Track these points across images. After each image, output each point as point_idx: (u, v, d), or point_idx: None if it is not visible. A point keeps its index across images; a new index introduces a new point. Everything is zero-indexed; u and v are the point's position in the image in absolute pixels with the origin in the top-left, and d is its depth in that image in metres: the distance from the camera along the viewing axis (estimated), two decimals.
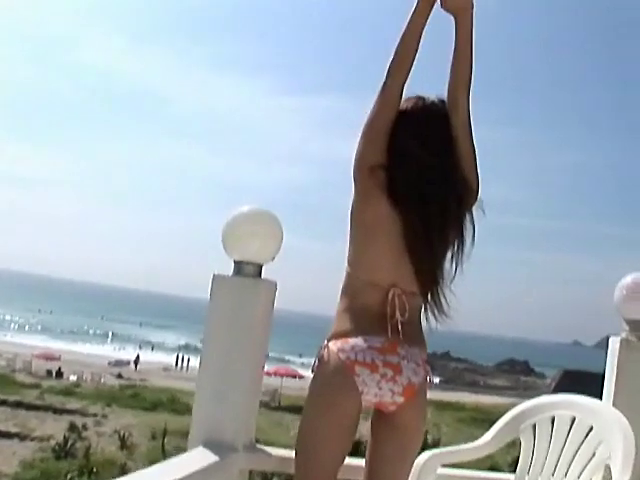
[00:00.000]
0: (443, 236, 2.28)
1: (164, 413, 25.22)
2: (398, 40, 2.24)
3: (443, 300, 2.27)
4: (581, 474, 2.63)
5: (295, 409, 29.25)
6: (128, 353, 59.72)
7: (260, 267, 2.70)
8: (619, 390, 3.01)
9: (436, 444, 19.42)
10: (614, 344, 3.11)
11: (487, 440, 2.85)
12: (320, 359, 2.27)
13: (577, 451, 2.68)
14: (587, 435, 2.67)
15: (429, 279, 2.28)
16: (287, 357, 65.49)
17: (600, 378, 3.14)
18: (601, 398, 2.99)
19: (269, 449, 2.69)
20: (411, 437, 2.33)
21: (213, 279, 2.67)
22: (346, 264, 2.37)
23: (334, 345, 2.25)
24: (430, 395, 2.36)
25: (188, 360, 53.19)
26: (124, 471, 18.18)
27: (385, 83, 2.26)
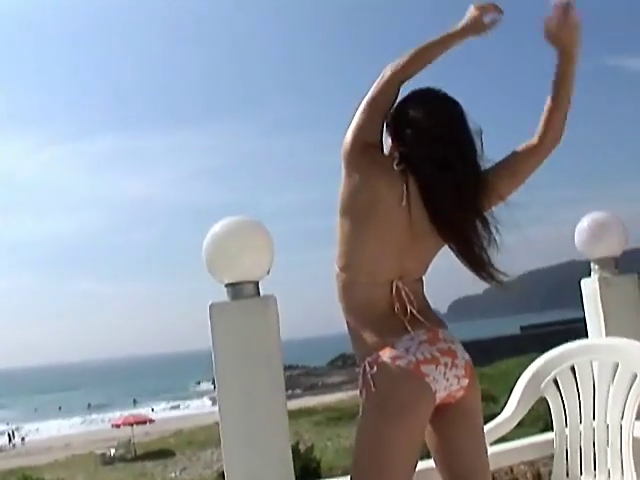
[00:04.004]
0: (476, 207, 2.13)
1: None
2: (422, 46, 2.12)
3: (494, 271, 2.13)
4: (623, 412, 2.64)
5: (153, 455, 28.21)
6: None
7: (257, 284, 2.46)
8: (610, 326, 3.09)
9: (309, 453, 19.33)
10: (590, 285, 3.18)
11: (514, 407, 2.81)
12: (373, 376, 2.03)
13: (609, 391, 2.69)
14: (615, 373, 2.68)
15: (469, 251, 2.13)
16: (120, 405, 62.59)
17: None
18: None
19: None
20: (479, 416, 2.23)
21: (211, 309, 2.37)
22: (337, 269, 2.18)
23: (382, 357, 2.04)
24: None
25: (22, 439, 49.69)
26: None
27: (392, 72, 2.12)
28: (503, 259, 2.16)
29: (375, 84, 2.14)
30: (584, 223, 3.19)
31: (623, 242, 3.18)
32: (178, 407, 61.60)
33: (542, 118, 2.21)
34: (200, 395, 68.87)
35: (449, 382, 2.07)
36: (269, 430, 2.34)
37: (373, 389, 2.02)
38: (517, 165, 2.22)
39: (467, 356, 2.15)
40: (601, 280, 3.13)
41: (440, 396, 2.06)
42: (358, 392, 2.09)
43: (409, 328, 2.07)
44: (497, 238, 2.13)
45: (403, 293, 2.11)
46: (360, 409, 2.08)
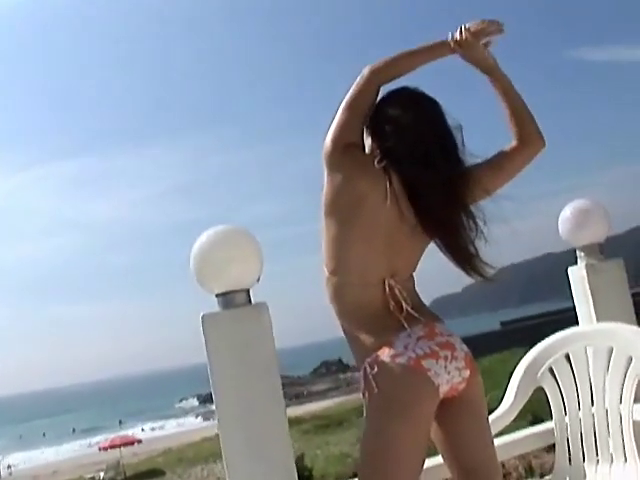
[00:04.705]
0: (464, 202, 2.14)
1: None
2: (407, 51, 2.16)
3: (481, 264, 2.14)
4: (621, 396, 2.64)
5: (143, 476, 27.95)
6: None
7: (248, 292, 2.43)
8: (600, 311, 3.09)
9: (300, 462, 19.23)
10: (577, 272, 3.19)
11: (512, 399, 2.79)
12: (375, 377, 2.02)
13: (606, 376, 2.69)
14: (610, 357, 2.69)
15: (455, 244, 2.15)
16: (106, 428, 61.89)
17: None
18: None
19: None
20: (483, 407, 2.23)
21: (203, 320, 2.34)
22: (327, 273, 2.17)
23: (382, 356, 2.03)
24: None
25: (9, 466, 49.01)
26: None
27: (371, 72, 2.13)
28: (487, 253, 2.17)
29: (354, 84, 2.14)
30: (567, 212, 3.19)
31: (607, 228, 3.19)
32: (164, 426, 61.16)
33: (511, 128, 2.25)
34: (185, 412, 68.42)
35: (451, 375, 2.06)
36: (271, 438, 2.30)
37: (375, 390, 2.00)
38: (503, 161, 2.25)
39: (465, 347, 2.14)
40: (588, 267, 3.13)
41: (443, 390, 2.05)
42: (361, 394, 2.07)
43: (405, 325, 2.06)
44: (484, 230, 2.14)
45: (396, 291, 2.10)
46: (364, 411, 2.06)
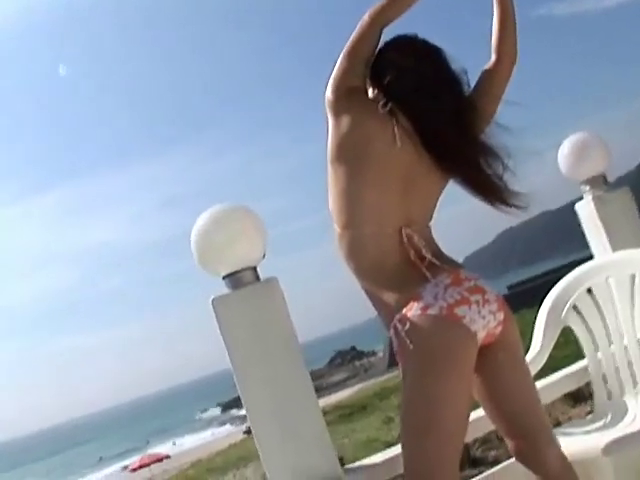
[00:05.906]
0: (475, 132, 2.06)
1: None
2: None
3: (514, 197, 2.04)
4: None
5: None
6: None
7: (255, 269, 2.35)
8: (614, 242, 3.02)
9: None
10: (586, 206, 3.13)
11: (541, 342, 2.71)
12: (408, 333, 1.90)
13: (633, 305, 2.62)
14: (633, 286, 2.62)
15: (480, 178, 2.05)
16: (133, 450, 61.74)
17: None
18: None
19: (366, 461, 2.37)
20: (520, 348, 2.12)
21: (214, 304, 2.26)
22: (339, 229, 2.05)
23: (412, 310, 1.91)
24: None
25: None
26: None
27: (371, 17, 2.03)
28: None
29: (355, 31, 2.04)
30: (565, 148, 3.12)
31: (607, 157, 3.12)
32: (189, 439, 61.02)
33: (494, 38, 2.17)
34: (209, 422, 68.41)
35: (486, 320, 1.95)
36: (302, 415, 2.22)
37: (411, 346, 1.89)
38: (487, 86, 2.16)
39: (495, 290, 2.03)
40: (595, 199, 3.06)
41: (481, 336, 1.94)
42: (395, 355, 1.96)
43: (428, 275, 1.95)
44: (509, 162, 2.04)
45: (415, 239, 1.99)
46: (400, 372, 1.95)
